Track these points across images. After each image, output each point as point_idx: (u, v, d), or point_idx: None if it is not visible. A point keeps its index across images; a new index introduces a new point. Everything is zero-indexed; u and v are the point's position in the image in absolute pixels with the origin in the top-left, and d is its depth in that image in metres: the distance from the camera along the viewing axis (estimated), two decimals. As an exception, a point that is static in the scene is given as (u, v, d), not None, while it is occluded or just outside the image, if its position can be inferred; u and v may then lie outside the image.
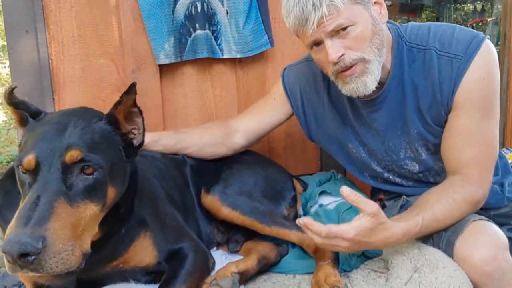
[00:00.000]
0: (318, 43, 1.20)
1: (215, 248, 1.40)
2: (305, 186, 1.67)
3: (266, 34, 1.77)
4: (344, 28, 1.15)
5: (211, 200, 1.34)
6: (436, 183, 1.29)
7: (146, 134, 1.08)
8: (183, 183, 1.41)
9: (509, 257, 1.12)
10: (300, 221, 1.06)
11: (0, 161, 4.40)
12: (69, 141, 0.90)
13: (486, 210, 1.35)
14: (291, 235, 1.26)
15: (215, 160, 1.50)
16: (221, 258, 1.32)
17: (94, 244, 0.92)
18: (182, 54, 1.75)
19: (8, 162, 4.32)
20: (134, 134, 1.04)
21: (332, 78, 1.26)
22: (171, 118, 1.82)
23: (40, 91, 1.65)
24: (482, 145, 1.23)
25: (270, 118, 1.54)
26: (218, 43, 1.77)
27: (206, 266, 1.18)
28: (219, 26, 1.75)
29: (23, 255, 0.77)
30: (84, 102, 1.62)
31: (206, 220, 1.39)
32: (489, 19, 4.56)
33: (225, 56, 1.78)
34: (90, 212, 0.89)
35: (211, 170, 1.46)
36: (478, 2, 5.25)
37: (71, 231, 0.83)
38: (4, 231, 0.85)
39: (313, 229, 1.04)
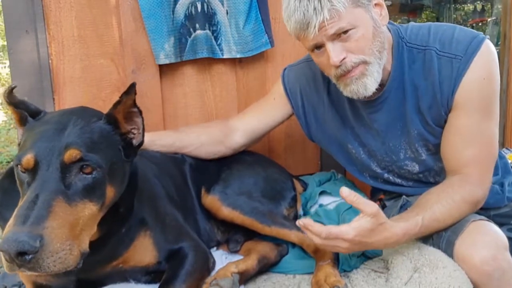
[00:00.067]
0: (319, 46, 1.20)
1: (215, 248, 1.40)
2: (305, 186, 1.67)
3: (266, 34, 1.77)
4: (346, 32, 1.15)
5: (211, 200, 1.34)
6: (436, 183, 1.29)
7: (145, 134, 1.08)
8: (182, 181, 1.41)
9: (509, 257, 1.12)
10: (300, 222, 1.06)
11: (0, 161, 4.41)
12: (68, 140, 0.90)
13: (486, 210, 1.35)
14: (291, 235, 1.26)
15: (215, 159, 1.50)
16: (221, 258, 1.32)
17: (93, 244, 0.92)
18: (182, 54, 1.76)
19: (8, 162, 4.32)
20: (134, 134, 1.04)
21: (334, 80, 1.26)
22: (171, 118, 1.82)
23: (40, 91, 1.66)
24: (482, 145, 1.23)
25: (270, 117, 1.54)
26: (218, 43, 1.77)
27: (206, 265, 1.18)
28: (219, 26, 1.75)
29: (21, 253, 0.76)
30: (84, 102, 1.62)
31: (205, 218, 1.39)
32: (489, 19, 4.56)
33: (225, 56, 1.78)
34: (89, 211, 0.89)
35: (211, 169, 1.46)
36: (478, 2, 5.25)
37: (69, 230, 0.83)
38: (3, 230, 0.84)
39: (313, 230, 1.04)
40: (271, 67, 1.88)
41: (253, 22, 1.75)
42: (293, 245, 1.32)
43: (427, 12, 5.76)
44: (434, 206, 1.16)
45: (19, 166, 0.89)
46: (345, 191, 1.03)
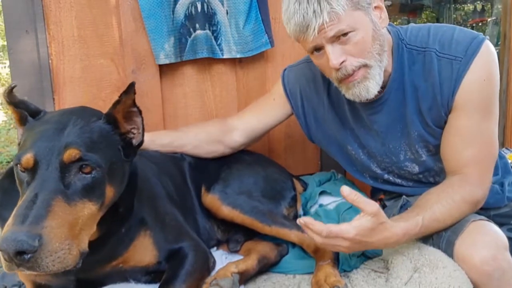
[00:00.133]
0: (319, 48, 1.20)
1: (215, 248, 1.40)
2: (305, 186, 1.67)
3: (266, 34, 1.77)
4: (345, 34, 1.15)
5: (211, 199, 1.34)
6: (436, 183, 1.29)
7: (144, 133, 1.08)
8: (181, 180, 1.41)
9: (509, 257, 1.12)
10: (301, 220, 1.06)
11: (0, 161, 4.41)
12: (67, 140, 0.90)
13: (486, 210, 1.35)
14: (291, 234, 1.26)
15: (214, 158, 1.50)
16: (221, 258, 1.32)
17: (93, 244, 0.92)
18: (182, 54, 1.76)
19: (8, 162, 4.33)
20: (134, 134, 1.04)
21: (335, 83, 1.27)
22: (171, 118, 1.83)
23: (40, 91, 1.66)
24: (482, 145, 1.23)
25: (269, 117, 1.54)
26: (218, 43, 1.77)
27: (206, 265, 1.18)
28: (219, 26, 1.75)
29: (20, 253, 0.76)
30: (84, 102, 1.62)
31: (205, 217, 1.39)
32: (489, 19, 4.56)
33: (225, 56, 1.78)
34: (88, 211, 0.89)
35: (210, 168, 1.46)
36: (478, 2, 5.25)
37: (68, 229, 0.83)
38: (2, 229, 0.84)
39: (314, 228, 1.04)
40: (271, 67, 1.88)
41: (253, 22, 1.75)
42: (293, 245, 1.32)
43: (427, 12, 5.76)
44: (434, 206, 1.16)
45: (18, 165, 0.89)
46: (345, 190, 1.03)
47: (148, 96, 1.76)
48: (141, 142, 1.06)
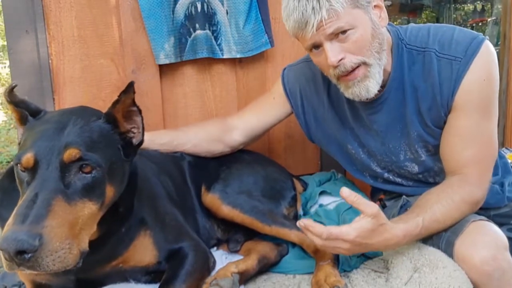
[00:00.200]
0: (317, 46, 1.20)
1: (215, 248, 1.40)
2: (305, 186, 1.67)
3: (266, 34, 1.77)
4: (344, 32, 1.15)
5: (212, 199, 1.34)
6: (436, 183, 1.29)
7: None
8: (181, 180, 1.41)
9: (509, 257, 1.12)
10: (301, 223, 1.06)
11: (0, 161, 4.41)
12: (67, 139, 0.90)
13: (486, 210, 1.35)
14: (291, 234, 1.26)
15: (214, 158, 1.50)
16: (221, 258, 1.32)
17: (93, 244, 0.92)
18: (182, 54, 1.76)
19: (8, 162, 4.33)
20: (134, 133, 1.04)
21: (334, 81, 1.26)
22: (171, 118, 1.83)
23: (40, 91, 1.66)
24: (481, 145, 1.23)
25: (269, 116, 1.54)
26: (218, 43, 1.77)
27: (206, 265, 1.18)
28: (219, 26, 1.75)
29: (20, 252, 0.77)
30: (84, 102, 1.62)
31: (205, 216, 1.39)
32: (489, 19, 4.56)
33: (225, 56, 1.79)
34: (88, 210, 0.89)
35: (210, 167, 1.46)
36: (478, 2, 5.25)
37: (68, 229, 0.83)
38: (3, 229, 0.85)
39: (314, 231, 1.04)
40: (271, 67, 1.88)
41: (253, 22, 1.75)
42: (293, 245, 1.32)
43: (427, 12, 5.76)
44: (434, 207, 1.16)
45: (19, 165, 0.89)
46: (345, 191, 1.03)
47: (148, 96, 1.76)
48: (141, 142, 1.06)
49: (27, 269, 0.79)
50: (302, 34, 1.18)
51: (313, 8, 1.12)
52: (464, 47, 1.20)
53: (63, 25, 1.66)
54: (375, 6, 1.22)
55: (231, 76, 1.86)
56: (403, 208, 1.38)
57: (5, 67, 7.23)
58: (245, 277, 1.17)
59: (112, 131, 0.99)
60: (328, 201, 1.54)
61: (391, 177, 1.45)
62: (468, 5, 5.58)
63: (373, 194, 1.64)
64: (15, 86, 0.97)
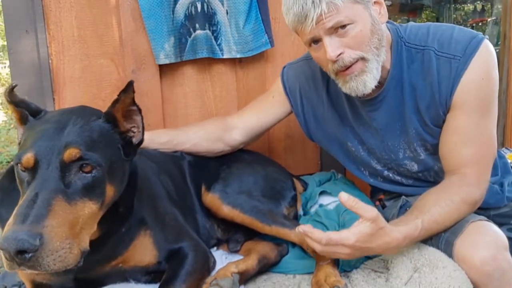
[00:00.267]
0: (316, 40, 1.20)
1: (215, 248, 1.40)
2: (305, 186, 1.67)
3: (266, 34, 1.77)
4: (343, 27, 1.15)
5: (212, 198, 1.34)
6: (436, 183, 1.28)
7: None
8: (181, 179, 1.41)
9: (509, 257, 1.12)
10: (300, 229, 1.06)
11: (0, 161, 4.41)
12: (67, 139, 0.90)
13: (486, 210, 1.35)
14: (291, 234, 1.26)
15: (214, 157, 1.50)
16: (221, 258, 1.32)
17: (93, 243, 0.92)
18: (182, 54, 1.76)
19: (8, 162, 4.33)
20: (134, 133, 1.04)
21: (332, 76, 1.26)
22: (171, 118, 1.83)
23: (40, 91, 1.66)
24: (480, 144, 1.22)
25: (269, 115, 1.54)
26: (218, 43, 1.77)
27: (206, 265, 1.18)
28: (219, 26, 1.76)
29: (20, 252, 0.77)
30: (84, 102, 1.62)
31: (205, 216, 1.39)
32: (489, 19, 4.56)
33: (225, 56, 1.79)
34: (89, 210, 0.89)
35: (210, 166, 1.46)
36: (478, 2, 5.24)
37: (69, 229, 0.83)
38: (3, 229, 0.85)
39: (313, 237, 1.04)
40: (271, 67, 1.88)
41: (253, 22, 1.75)
42: (293, 245, 1.32)
43: (427, 12, 5.76)
44: (433, 208, 1.16)
45: (19, 165, 0.89)
46: (343, 196, 1.03)
47: (148, 96, 1.76)
48: (141, 141, 1.06)
49: (28, 268, 0.79)
50: (302, 28, 1.18)
51: (313, 1, 1.13)
52: (464, 46, 1.20)
53: (63, 25, 1.66)
54: (375, 2, 1.22)
55: (231, 76, 1.86)
56: (403, 208, 1.38)
57: (5, 67, 7.23)
58: (245, 277, 1.17)
59: (112, 130, 0.99)
60: (328, 201, 1.54)
61: (390, 175, 1.44)
62: (468, 5, 5.57)
63: (373, 194, 1.64)
64: (15, 86, 0.97)
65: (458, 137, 1.23)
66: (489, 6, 5.03)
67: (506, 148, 2.25)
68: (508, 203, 1.40)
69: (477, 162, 1.22)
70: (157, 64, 1.74)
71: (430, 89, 1.25)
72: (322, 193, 1.60)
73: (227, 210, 1.31)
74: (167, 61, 1.73)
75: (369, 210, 1.03)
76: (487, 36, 1.23)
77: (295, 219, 1.43)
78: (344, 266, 1.22)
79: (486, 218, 1.21)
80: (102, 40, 1.71)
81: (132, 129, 1.04)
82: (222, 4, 1.74)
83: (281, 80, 1.54)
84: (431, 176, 1.39)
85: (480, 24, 5.03)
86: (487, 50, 1.20)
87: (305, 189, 1.65)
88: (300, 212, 1.52)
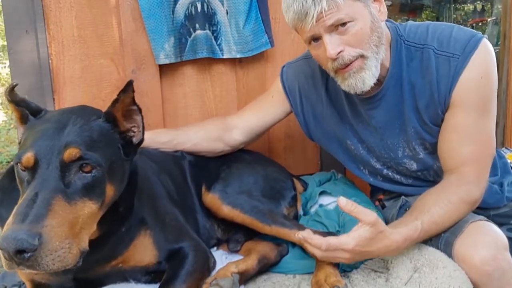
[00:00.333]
0: (316, 38, 1.20)
1: (215, 248, 1.40)
2: (305, 186, 1.67)
3: (266, 34, 1.77)
4: (344, 24, 1.15)
5: (212, 198, 1.34)
6: (435, 182, 1.28)
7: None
8: (182, 179, 1.41)
9: (509, 257, 1.12)
10: (299, 235, 1.07)
11: (0, 161, 4.41)
12: (67, 139, 0.90)
13: (486, 210, 1.35)
14: (291, 234, 1.25)
15: (214, 157, 1.50)
16: (221, 258, 1.32)
17: (93, 243, 0.92)
18: (182, 54, 1.76)
19: (8, 162, 4.33)
20: (134, 132, 1.04)
21: (331, 74, 1.26)
22: (171, 118, 1.83)
23: (40, 91, 1.66)
24: (479, 143, 1.23)
25: (269, 115, 1.54)
26: (218, 43, 1.77)
27: (206, 265, 1.18)
28: (219, 26, 1.76)
29: (19, 251, 0.76)
30: (84, 102, 1.61)
31: (205, 216, 1.39)
32: (489, 19, 4.55)
33: (225, 56, 1.79)
34: (88, 210, 0.89)
35: (211, 166, 1.46)
36: (478, 2, 5.24)
37: (68, 228, 0.83)
38: (3, 228, 0.85)
39: (313, 242, 1.05)
40: (271, 67, 1.88)
41: (253, 22, 1.75)
42: (293, 244, 1.32)
43: (427, 12, 5.76)
44: (432, 209, 1.16)
45: (19, 164, 0.89)
46: (342, 201, 1.03)
47: (148, 96, 1.76)
48: (141, 141, 1.06)
49: (27, 268, 0.79)
50: (302, 25, 1.18)
51: None
52: (462, 44, 1.20)
53: (63, 25, 1.67)
54: (374, 0, 1.22)
55: (231, 76, 1.86)
56: (402, 209, 1.38)
57: (5, 67, 7.22)
58: (245, 277, 1.17)
59: (112, 130, 0.99)
60: (328, 201, 1.54)
61: (390, 174, 1.44)
62: (468, 5, 5.57)
63: (373, 194, 1.64)
64: (16, 85, 0.97)
65: (457, 136, 1.23)
66: (489, 6, 5.03)
67: (506, 148, 2.25)
68: (508, 203, 1.40)
69: (476, 160, 1.22)
70: (157, 64, 1.74)
71: (429, 88, 1.25)
72: (322, 193, 1.60)
73: (227, 210, 1.31)
74: (167, 61, 1.73)
75: (368, 214, 1.03)
76: (486, 36, 1.23)
77: (295, 219, 1.43)
78: (344, 266, 1.22)
79: (486, 218, 1.21)
80: (102, 40, 1.71)
81: (133, 128, 1.04)
82: (222, 4, 1.74)
83: (280, 79, 1.54)
84: (430, 176, 1.39)
85: (480, 24, 5.03)
86: (486, 49, 1.21)
87: (305, 189, 1.65)
88: (300, 212, 1.52)
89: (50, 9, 1.65)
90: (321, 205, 1.54)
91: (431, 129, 1.29)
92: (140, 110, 1.03)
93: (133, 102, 1.01)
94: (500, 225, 1.24)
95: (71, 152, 0.88)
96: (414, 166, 1.38)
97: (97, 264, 1.05)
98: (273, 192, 1.41)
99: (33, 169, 0.87)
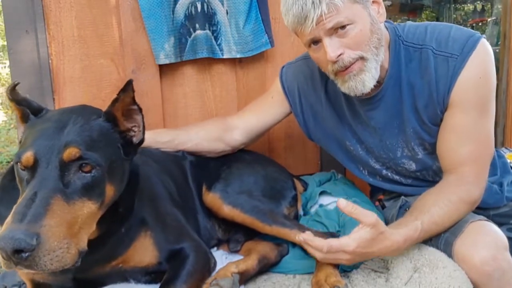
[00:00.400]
0: (316, 41, 1.20)
1: (215, 248, 1.40)
2: (305, 186, 1.67)
3: (266, 34, 1.77)
4: (343, 27, 1.15)
5: (212, 198, 1.34)
6: (435, 182, 1.29)
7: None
8: (183, 179, 1.41)
9: (509, 257, 1.12)
10: (300, 237, 1.07)
11: (0, 161, 4.41)
12: (67, 138, 0.90)
13: (486, 210, 1.35)
14: (292, 234, 1.25)
15: (215, 157, 1.51)
16: (221, 258, 1.32)
17: (93, 243, 0.92)
18: (182, 54, 1.76)
19: (8, 162, 4.33)
20: (134, 132, 1.04)
21: (331, 76, 1.26)
22: (171, 118, 1.83)
23: (40, 91, 1.66)
24: (478, 143, 1.23)
25: (268, 116, 1.54)
26: (218, 43, 1.77)
27: (207, 266, 1.18)
28: (219, 26, 1.76)
29: (17, 251, 0.76)
30: (84, 102, 1.59)
31: (206, 216, 1.39)
32: (489, 19, 4.55)
33: (225, 56, 1.79)
34: (88, 210, 0.89)
35: (211, 166, 1.46)
36: (478, 2, 5.24)
37: (67, 228, 0.83)
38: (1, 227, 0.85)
39: (313, 245, 1.05)
40: (271, 67, 1.88)
41: (253, 22, 1.75)
42: (294, 244, 1.31)
43: (427, 12, 5.76)
44: (432, 209, 1.16)
45: (19, 163, 0.89)
46: (342, 203, 1.03)
47: (148, 96, 1.76)
48: (142, 140, 1.06)
49: (25, 268, 0.79)
50: (302, 29, 1.18)
51: (313, 2, 1.13)
52: (461, 44, 1.20)
53: (63, 25, 1.67)
54: (373, 1, 1.22)
55: (231, 76, 1.86)
56: (402, 209, 1.38)
57: (5, 67, 7.23)
58: (245, 277, 1.17)
59: (112, 129, 0.99)
60: (328, 201, 1.54)
61: (389, 174, 1.45)
62: (468, 5, 5.57)
63: (373, 194, 1.64)
64: (18, 84, 0.97)
65: (456, 136, 1.23)
66: (489, 6, 5.03)
67: (506, 148, 2.25)
68: (508, 203, 1.40)
69: (475, 160, 1.22)
70: (157, 64, 1.74)
71: (428, 88, 1.25)
72: (322, 193, 1.60)
73: (227, 210, 1.31)
74: (167, 61, 1.73)
75: (368, 216, 1.03)
76: (484, 36, 1.23)
77: (296, 219, 1.43)
78: (344, 266, 1.22)
79: (486, 218, 1.21)
80: (102, 40, 1.71)
81: (133, 128, 1.04)
82: (222, 4, 1.74)
83: (279, 80, 1.54)
84: (429, 176, 1.39)
85: (480, 24, 5.03)
86: (485, 49, 1.21)
87: (305, 189, 1.65)
88: (300, 212, 1.52)
89: (50, 9, 1.65)
90: (321, 205, 1.54)
91: (430, 129, 1.29)
92: (140, 109, 1.03)
93: (133, 102, 1.00)
94: (500, 225, 1.24)
95: (71, 152, 0.88)
96: (413, 166, 1.38)
97: (97, 264, 1.05)
98: (274, 192, 1.41)
99: (32, 169, 0.87)
